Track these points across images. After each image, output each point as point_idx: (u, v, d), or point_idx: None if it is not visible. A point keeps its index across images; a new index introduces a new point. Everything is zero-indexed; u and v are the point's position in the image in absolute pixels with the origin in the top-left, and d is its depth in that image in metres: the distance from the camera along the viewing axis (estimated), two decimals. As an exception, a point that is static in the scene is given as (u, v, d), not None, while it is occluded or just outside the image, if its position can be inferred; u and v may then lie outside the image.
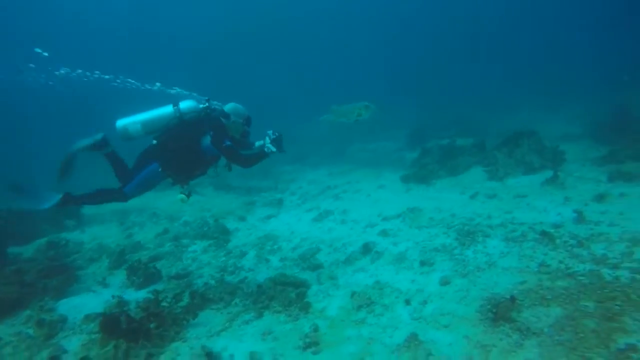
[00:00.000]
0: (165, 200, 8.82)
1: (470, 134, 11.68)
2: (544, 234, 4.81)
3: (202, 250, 6.36)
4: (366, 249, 5.34)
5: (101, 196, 4.47)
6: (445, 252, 4.90)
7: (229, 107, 4.63)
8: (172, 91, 4.83)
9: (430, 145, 11.44)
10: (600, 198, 5.60)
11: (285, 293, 4.49)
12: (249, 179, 10.94)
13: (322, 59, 37.26)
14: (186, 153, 4.38)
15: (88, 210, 8.62)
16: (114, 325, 3.70)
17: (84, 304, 4.88)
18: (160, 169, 4.38)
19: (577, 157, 8.31)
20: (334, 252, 5.57)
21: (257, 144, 4.70)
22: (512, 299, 3.52)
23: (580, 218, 5.10)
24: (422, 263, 4.71)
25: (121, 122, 4.36)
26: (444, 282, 4.20)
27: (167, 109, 4.40)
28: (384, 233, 5.81)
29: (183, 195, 4.53)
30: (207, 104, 4.47)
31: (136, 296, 4.93)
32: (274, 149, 4.37)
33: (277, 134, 4.45)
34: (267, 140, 4.41)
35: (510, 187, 6.72)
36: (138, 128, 4.36)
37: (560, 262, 4.19)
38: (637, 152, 7.16)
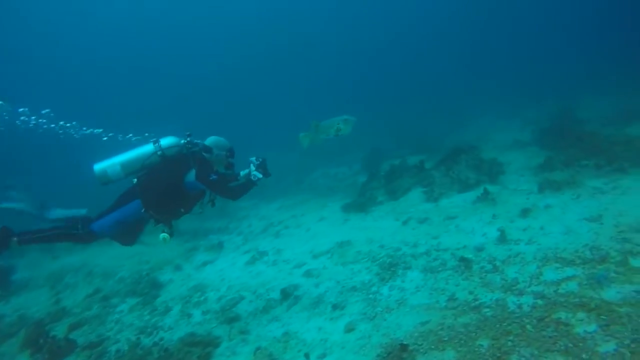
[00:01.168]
0: (107, 254, 8.46)
1: (425, 150, 11.60)
2: (462, 260, 4.61)
3: (128, 310, 6.00)
4: (285, 294, 5.06)
5: (57, 234, 4.15)
6: (362, 290, 4.64)
7: (210, 140, 4.52)
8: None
9: (383, 166, 11.34)
10: (525, 213, 5.44)
11: (189, 356, 4.18)
12: (204, 219, 10.60)
13: (283, 82, 37.06)
14: (170, 191, 4.20)
15: (20, 274, 8.23)
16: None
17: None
18: (142, 209, 4.14)
19: (520, 167, 8.21)
20: (256, 300, 5.27)
21: (242, 173, 4.51)
22: (403, 347, 3.27)
23: (502, 237, 4.92)
24: (335, 307, 4.44)
25: (99, 166, 4.17)
26: (349, 328, 3.94)
27: (147, 147, 4.24)
28: (308, 274, 5.55)
29: (165, 235, 4.23)
30: (188, 139, 4.34)
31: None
32: (260, 176, 4.30)
33: (260, 159, 4.38)
34: (252, 167, 4.32)
35: (443, 208, 6.53)
36: (118, 170, 4.17)
37: (470, 292, 3.97)
38: (570, 157, 7.08)
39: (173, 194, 4.22)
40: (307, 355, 3.71)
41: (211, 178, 4.13)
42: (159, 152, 4.18)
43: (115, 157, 4.21)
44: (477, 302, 3.77)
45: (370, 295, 4.47)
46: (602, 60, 19.36)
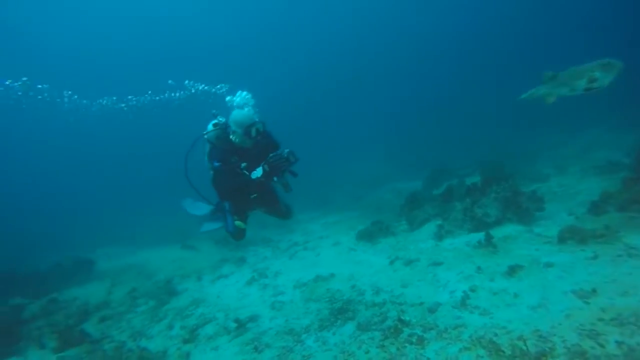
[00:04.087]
0: (160, 255, 9.76)
1: (497, 168, 10.15)
2: (400, 321, 4.06)
3: (141, 312, 6.85)
4: (239, 324, 5.17)
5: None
6: (293, 336, 4.48)
7: (231, 116, 4.10)
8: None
9: (442, 185, 10.36)
10: (513, 271, 4.44)
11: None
12: (263, 228, 11.26)
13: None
14: (212, 177, 4.19)
15: (101, 265, 10.01)
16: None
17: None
18: (221, 201, 4.32)
19: (582, 201, 6.63)
20: (222, 324, 5.47)
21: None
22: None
23: (463, 300, 4.16)
24: (256, 349, 4.38)
25: None
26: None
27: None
28: (274, 305, 5.54)
29: (239, 222, 4.22)
30: (215, 120, 4.15)
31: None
32: (259, 174, 3.82)
33: (283, 154, 3.80)
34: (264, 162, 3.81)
35: (439, 250, 5.71)
36: (206, 165, 4.31)
37: (368, 365, 3.50)
38: (634, 197, 5.41)
39: (213, 179, 4.17)
40: (193, 397, 3.78)
41: (213, 165, 3.93)
42: (205, 138, 4.14)
43: None
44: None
45: (292, 344, 4.28)
46: None
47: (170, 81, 4.94)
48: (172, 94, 5.11)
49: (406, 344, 3.69)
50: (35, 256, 12.13)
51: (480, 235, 5.58)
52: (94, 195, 22.65)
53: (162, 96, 5.32)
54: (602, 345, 2.95)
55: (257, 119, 4.15)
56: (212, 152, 4.09)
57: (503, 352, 3.16)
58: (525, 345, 3.11)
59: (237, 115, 4.09)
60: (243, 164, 4.11)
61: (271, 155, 3.85)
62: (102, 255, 11.13)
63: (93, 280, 9.22)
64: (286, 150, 3.82)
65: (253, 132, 4.01)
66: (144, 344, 5.53)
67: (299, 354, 4.03)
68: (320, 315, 4.80)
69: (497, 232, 5.61)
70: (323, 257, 7.22)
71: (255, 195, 4.25)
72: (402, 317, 4.10)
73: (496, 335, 3.40)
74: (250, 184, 3.91)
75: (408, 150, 17.78)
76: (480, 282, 4.46)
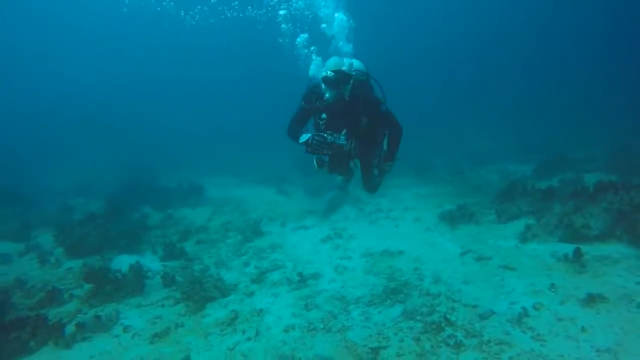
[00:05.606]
0: (259, 195, 10.73)
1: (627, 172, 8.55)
2: (445, 320, 3.99)
3: (229, 244, 7.77)
4: (302, 278, 5.57)
5: None
6: (343, 303, 4.72)
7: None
8: None
9: (554, 177, 9.23)
10: (591, 300, 3.92)
11: (202, 292, 5.40)
12: (357, 185, 11.50)
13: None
14: (294, 117, 4.47)
15: (209, 193, 11.41)
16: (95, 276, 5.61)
17: (128, 261, 7.10)
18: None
19: None
20: (288, 274, 5.95)
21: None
22: None
23: (520, 317, 3.88)
24: (306, 306, 4.74)
25: None
26: (289, 328, 4.26)
27: None
28: (337, 268, 5.81)
29: (315, 162, 4.52)
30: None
31: (153, 266, 6.82)
32: (302, 140, 4.01)
33: (325, 140, 3.89)
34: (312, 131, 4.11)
35: (518, 253, 5.19)
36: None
37: (398, 356, 3.58)
38: None
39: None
40: (243, 332, 4.34)
41: (300, 102, 4.18)
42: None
43: None
44: (383, 367, 3.42)
45: (338, 312, 4.52)
46: None
47: None
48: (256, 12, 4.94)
49: (442, 344, 3.64)
50: (166, 174, 14.40)
51: (570, 248, 4.95)
52: (213, 128, 24.93)
53: (255, 11, 5.11)
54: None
55: (346, 68, 3.91)
56: (307, 90, 4.14)
57: (538, 387, 2.94)
58: (566, 388, 2.84)
59: (330, 59, 4.02)
60: (323, 115, 4.10)
61: (318, 133, 3.82)
62: (213, 183, 12.66)
63: (201, 205, 10.65)
64: (341, 141, 3.74)
65: (327, 79, 3.83)
66: (222, 274, 6.34)
67: (341, 322, 4.26)
68: (374, 291, 4.92)
69: (594, 250, 4.91)
70: (400, 231, 7.19)
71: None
72: (449, 316, 4.00)
73: (539, 365, 3.16)
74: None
75: (527, 127, 15.85)
76: (549, 302, 4.05)
